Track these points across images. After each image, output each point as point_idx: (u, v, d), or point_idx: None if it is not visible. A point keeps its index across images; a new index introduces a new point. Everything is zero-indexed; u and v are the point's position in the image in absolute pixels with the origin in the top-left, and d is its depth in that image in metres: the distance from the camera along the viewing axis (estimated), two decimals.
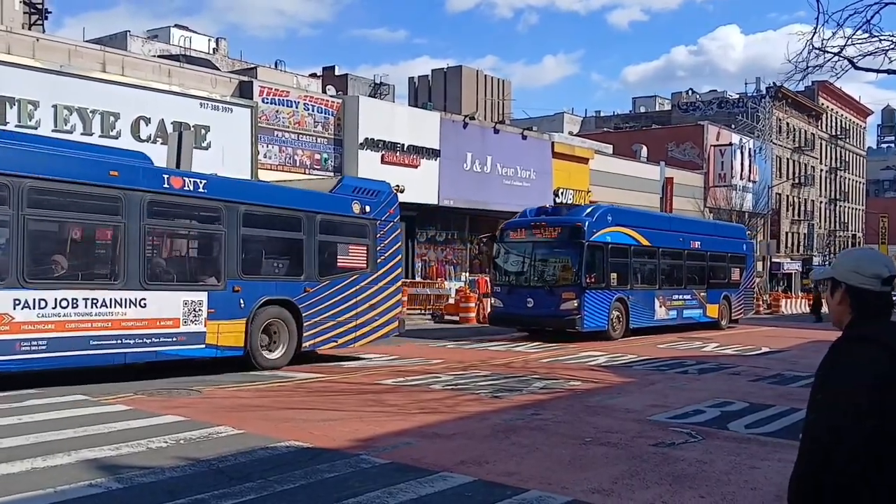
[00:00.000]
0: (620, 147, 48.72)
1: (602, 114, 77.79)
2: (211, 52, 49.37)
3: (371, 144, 28.11)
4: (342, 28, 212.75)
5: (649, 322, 21.28)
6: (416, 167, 29.56)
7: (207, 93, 24.09)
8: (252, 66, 40.63)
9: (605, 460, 7.01)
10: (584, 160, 39.14)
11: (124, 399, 9.30)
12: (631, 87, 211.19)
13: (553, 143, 37.70)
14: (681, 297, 22.85)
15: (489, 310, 21.72)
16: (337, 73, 61.08)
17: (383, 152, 28.48)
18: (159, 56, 33.86)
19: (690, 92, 73.87)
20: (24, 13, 35.47)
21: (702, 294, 23.83)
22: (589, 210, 20.33)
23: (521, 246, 19.86)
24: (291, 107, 26.42)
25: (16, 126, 19.36)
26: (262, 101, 25.42)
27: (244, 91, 25.38)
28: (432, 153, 30.33)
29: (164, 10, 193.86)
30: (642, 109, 76.98)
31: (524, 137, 35.87)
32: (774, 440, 8.06)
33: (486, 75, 64.64)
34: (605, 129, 66.20)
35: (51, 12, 37.25)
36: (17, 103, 19.56)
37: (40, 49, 20.84)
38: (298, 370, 12.38)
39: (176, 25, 53.21)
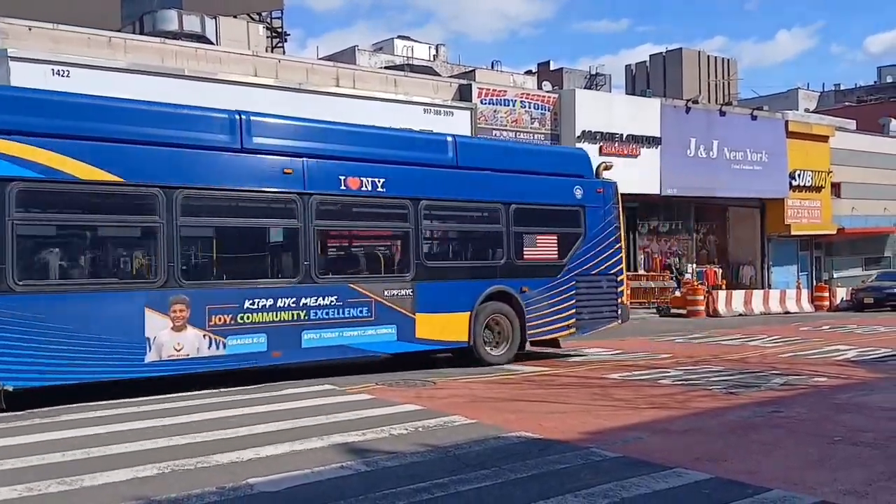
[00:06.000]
0: (865, 122, 44.43)
1: (842, 87, 71.43)
2: (431, 59, 51.42)
3: (588, 136, 27.82)
4: (563, 24, 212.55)
5: (85, 371, 9.07)
6: (636, 156, 28.82)
7: (430, 98, 25.14)
8: (470, 69, 41.80)
9: (858, 460, 6.49)
10: (824, 138, 36.19)
11: (367, 389, 10.01)
12: (875, 56, 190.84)
13: (787, 121, 35.19)
14: (276, 300, 10.51)
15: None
16: (552, 67, 61.26)
17: (601, 143, 28.07)
18: (385, 67, 35.83)
19: None
20: (267, 38, 39.07)
21: (391, 291, 11.55)
22: None
23: None
24: (508, 105, 26.85)
25: None
26: (481, 103, 26.07)
27: (464, 94, 26.19)
28: (653, 141, 29.43)
29: (397, 24, 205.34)
30: (889, 80, 69.74)
31: (754, 118, 33.83)
32: None
33: (708, 56, 61.74)
34: (846, 104, 60.85)
35: (289, 34, 40.65)
36: None
37: (282, 69, 22.87)
38: (524, 364, 12.58)
39: (399, 36, 55.99)
